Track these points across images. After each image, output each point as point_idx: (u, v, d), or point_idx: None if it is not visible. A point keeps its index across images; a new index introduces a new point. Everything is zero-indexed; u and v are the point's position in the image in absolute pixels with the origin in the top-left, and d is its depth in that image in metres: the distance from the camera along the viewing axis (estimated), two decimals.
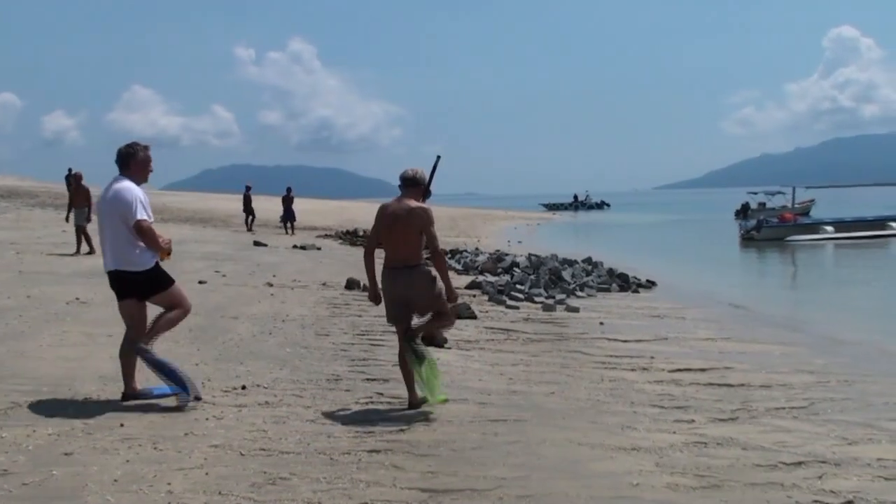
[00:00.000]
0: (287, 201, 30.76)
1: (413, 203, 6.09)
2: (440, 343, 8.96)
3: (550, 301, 13.67)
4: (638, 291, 16.89)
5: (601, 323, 11.89)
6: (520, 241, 33.51)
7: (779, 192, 52.90)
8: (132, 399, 5.94)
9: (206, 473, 4.56)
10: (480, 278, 16.55)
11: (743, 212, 54.14)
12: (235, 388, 6.46)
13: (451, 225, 43.32)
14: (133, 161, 6.01)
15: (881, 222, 36.86)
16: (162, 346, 6.34)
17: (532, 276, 16.66)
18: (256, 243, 23.28)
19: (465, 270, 18.94)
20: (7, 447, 4.83)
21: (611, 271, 18.75)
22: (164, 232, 6.62)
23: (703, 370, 8.52)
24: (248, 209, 30.58)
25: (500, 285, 15.20)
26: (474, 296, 14.04)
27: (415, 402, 6.15)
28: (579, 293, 15.52)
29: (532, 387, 7.28)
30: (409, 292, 6.07)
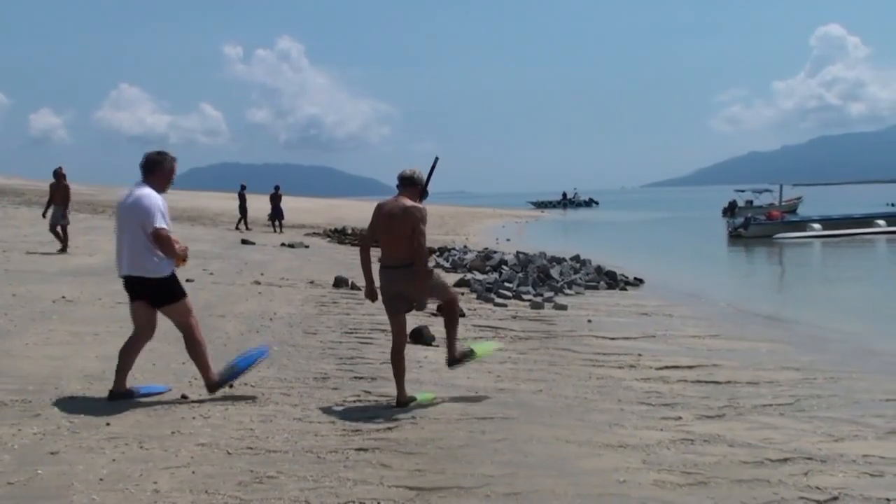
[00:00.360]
0: (275, 199, 30.69)
1: (408, 202, 6.14)
2: (428, 341, 8.96)
3: (538, 299, 13.68)
4: (626, 289, 16.92)
5: (589, 321, 11.91)
6: (508, 239, 33.52)
7: (766, 190, 53.17)
8: (120, 398, 5.92)
9: (193, 472, 4.54)
10: (468, 276, 16.56)
11: (730, 209, 54.38)
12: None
13: (439, 223, 43.30)
14: (159, 169, 6.04)
15: (868, 220, 37.09)
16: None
17: (520, 274, 16.67)
18: (244, 241, 23.21)
19: (454, 268, 18.94)
20: None
21: (599, 269, 18.78)
22: None
23: (690, 367, 8.55)
24: (244, 208, 30.61)
25: (489, 283, 15.21)
26: (462, 294, 14.03)
27: (403, 400, 6.16)
28: (567, 291, 15.53)
29: (520, 384, 7.29)
30: (409, 290, 6.16)
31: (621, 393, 7.19)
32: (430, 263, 6.67)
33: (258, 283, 13.72)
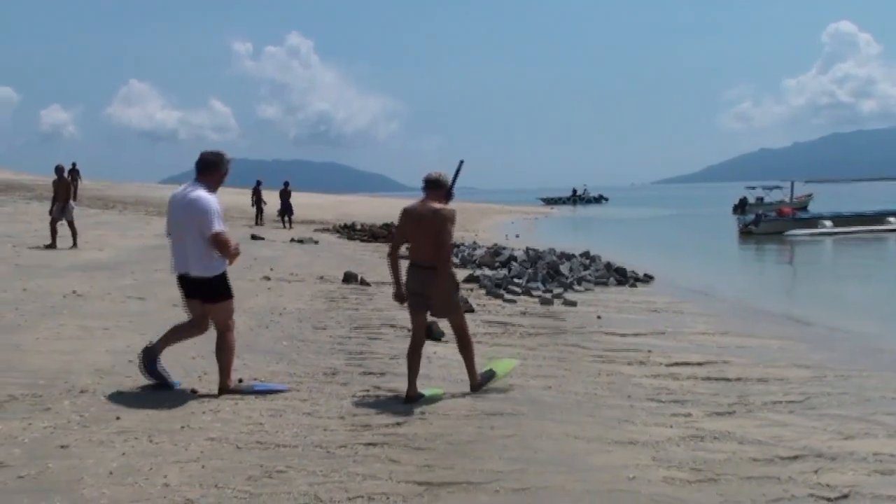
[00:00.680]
0: (284, 195, 30.76)
1: (437, 205, 6.26)
2: (437, 336, 8.96)
3: (548, 295, 13.67)
4: (635, 286, 16.87)
5: (599, 317, 11.89)
6: (517, 235, 33.49)
7: (776, 187, 52.91)
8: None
9: (203, 466, 4.55)
10: (478, 272, 16.55)
11: (741, 206, 54.19)
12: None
13: None
14: (215, 170, 6.12)
15: (880, 217, 36.91)
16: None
17: (530, 270, 16.65)
18: (254, 237, 23.26)
19: (463, 264, 18.93)
20: (3, 440, 4.82)
21: (608, 265, 18.74)
22: (164, 226, 6.64)
23: (700, 364, 8.53)
24: (259, 204, 30.82)
25: (498, 279, 15.19)
26: (472, 289, 14.03)
27: (412, 396, 6.17)
28: (577, 287, 15.51)
29: (529, 380, 7.28)
30: (430, 291, 6.22)
31: (631, 389, 7.17)
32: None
33: (268, 278, 13.74)
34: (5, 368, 6.45)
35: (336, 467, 4.64)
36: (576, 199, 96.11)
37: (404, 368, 6.36)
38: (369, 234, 28.71)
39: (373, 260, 19.27)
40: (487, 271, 17.11)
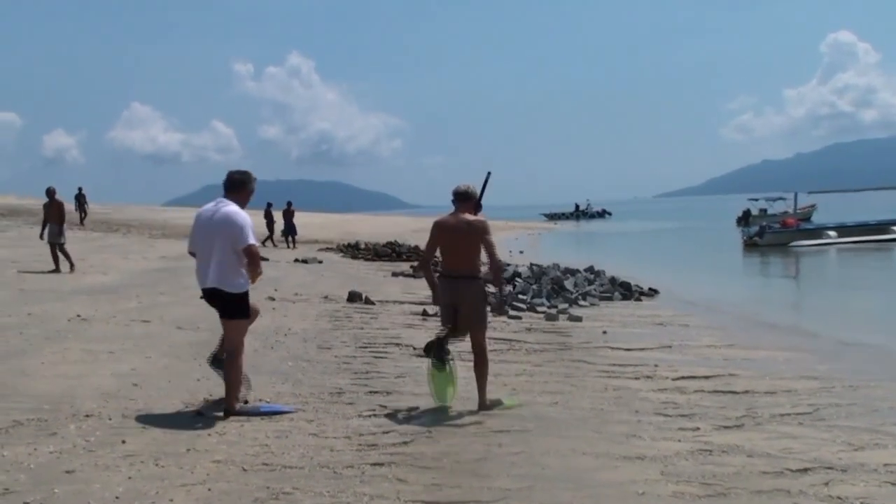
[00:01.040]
0: (288, 215, 30.81)
1: (470, 217, 6.49)
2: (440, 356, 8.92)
3: (553, 310, 13.64)
4: (640, 300, 16.85)
5: (604, 332, 11.85)
6: (521, 251, 33.47)
7: (780, 199, 52.86)
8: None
9: (209, 489, 4.53)
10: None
11: (744, 218, 54.16)
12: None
13: None
14: (242, 188, 6.31)
15: (884, 226, 36.85)
16: (162, 362, 6.34)
17: (534, 286, 16.62)
18: None
19: None
20: (8, 466, 4.80)
21: (613, 280, 18.70)
22: (168, 248, 6.66)
23: (707, 377, 8.49)
24: (271, 225, 30.85)
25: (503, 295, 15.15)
26: None
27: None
28: (582, 302, 15.49)
29: (535, 397, 7.25)
30: (459, 302, 6.46)
31: (638, 404, 7.14)
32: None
33: (272, 298, 13.73)
34: (10, 393, 6.44)
35: (343, 488, 4.62)
36: (579, 214, 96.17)
37: (410, 387, 6.37)
38: (373, 252, 28.70)
39: (377, 279, 19.27)
40: (491, 287, 17.05)
